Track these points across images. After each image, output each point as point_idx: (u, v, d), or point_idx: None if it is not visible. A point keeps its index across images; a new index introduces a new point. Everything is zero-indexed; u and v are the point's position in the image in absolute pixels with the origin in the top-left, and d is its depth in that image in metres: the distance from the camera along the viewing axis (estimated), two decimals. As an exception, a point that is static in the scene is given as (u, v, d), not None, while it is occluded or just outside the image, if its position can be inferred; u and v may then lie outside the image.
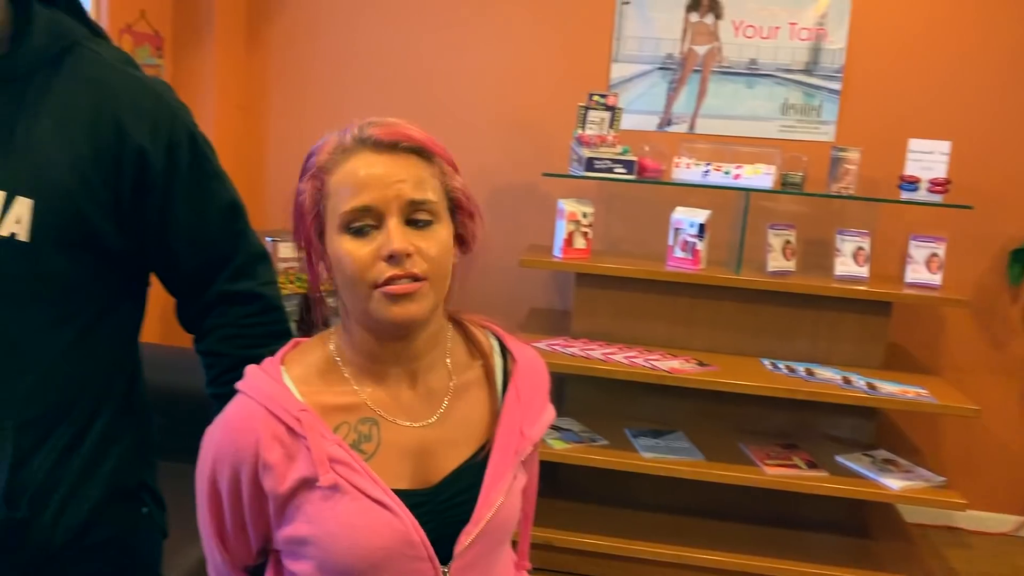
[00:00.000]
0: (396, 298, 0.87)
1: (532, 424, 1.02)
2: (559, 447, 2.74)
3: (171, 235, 1.11)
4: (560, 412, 2.72)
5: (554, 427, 2.83)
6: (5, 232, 0.99)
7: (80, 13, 1.14)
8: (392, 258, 0.86)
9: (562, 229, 2.92)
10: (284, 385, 0.93)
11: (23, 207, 0.99)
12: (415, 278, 0.87)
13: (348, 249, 0.87)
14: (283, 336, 1.13)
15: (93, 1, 2.87)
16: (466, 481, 0.95)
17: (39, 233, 1.00)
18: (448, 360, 1.00)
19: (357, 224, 0.87)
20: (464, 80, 3.43)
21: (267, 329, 1.17)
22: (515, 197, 3.46)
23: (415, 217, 0.88)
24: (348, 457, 0.90)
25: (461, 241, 0.96)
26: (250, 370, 0.96)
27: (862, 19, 3.21)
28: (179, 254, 1.13)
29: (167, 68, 3.26)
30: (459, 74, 3.42)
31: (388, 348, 0.94)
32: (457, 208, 0.94)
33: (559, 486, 2.98)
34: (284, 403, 0.91)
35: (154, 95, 1.09)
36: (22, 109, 1.02)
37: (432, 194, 0.90)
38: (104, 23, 2.90)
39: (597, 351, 2.83)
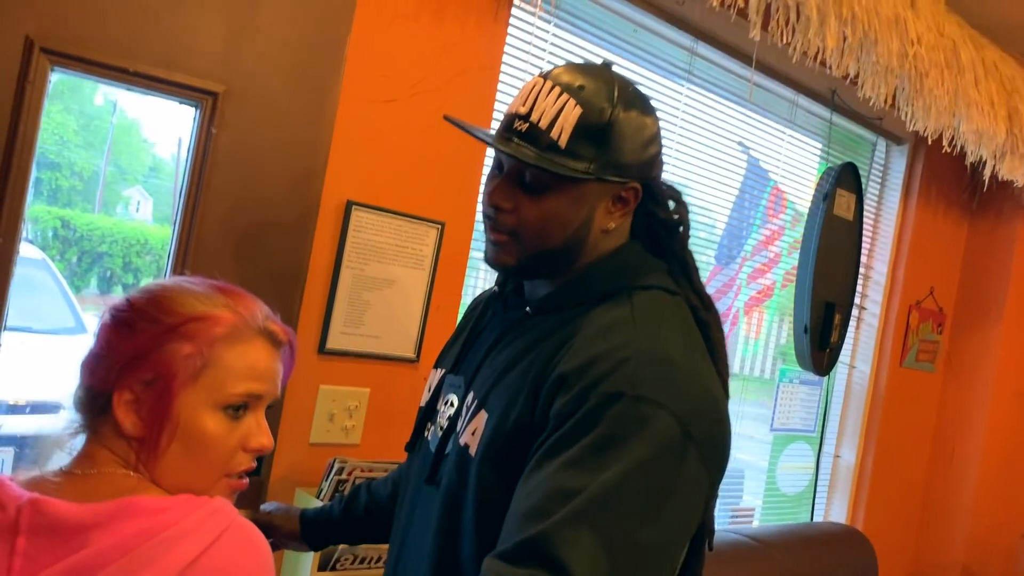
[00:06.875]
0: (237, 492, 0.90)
1: None
2: None
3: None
4: None
5: None
6: (462, 441, 1.02)
7: (679, 271, 1.07)
8: (255, 451, 0.88)
9: None
10: None
11: (480, 420, 1.01)
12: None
13: (216, 430, 0.86)
14: None
15: (888, 278, 2.95)
16: None
17: (484, 449, 0.99)
18: None
19: (238, 407, 0.87)
20: None
21: None
22: None
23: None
24: None
25: None
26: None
27: None
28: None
29: (943, 344, 3.15)
30: None
31: None
32: None
33: None
34: None
35: (612, 344, 0.95)
36: (529, 336, 1.04)
37: None
38: (897, 299, 2.95)
39: None
